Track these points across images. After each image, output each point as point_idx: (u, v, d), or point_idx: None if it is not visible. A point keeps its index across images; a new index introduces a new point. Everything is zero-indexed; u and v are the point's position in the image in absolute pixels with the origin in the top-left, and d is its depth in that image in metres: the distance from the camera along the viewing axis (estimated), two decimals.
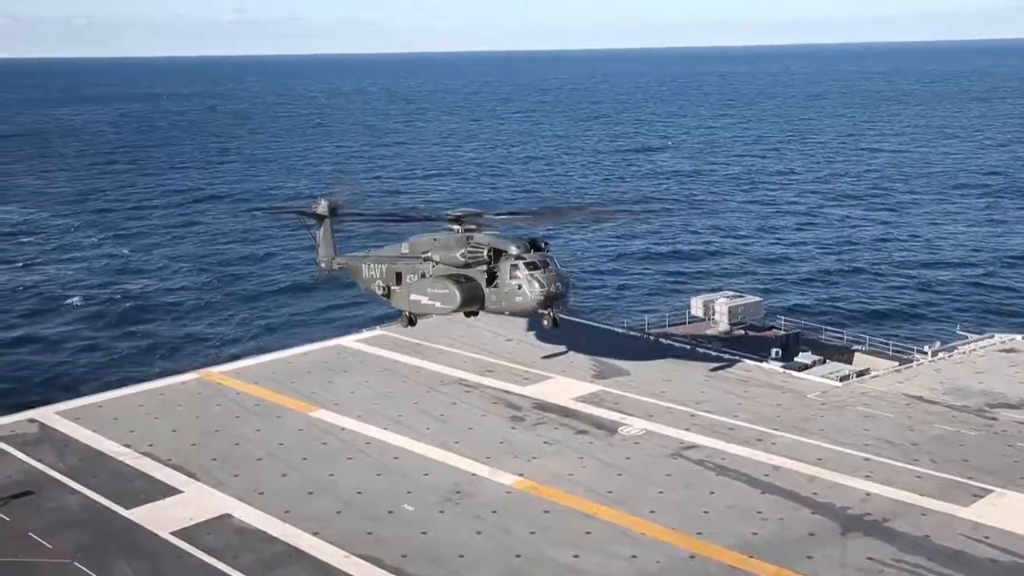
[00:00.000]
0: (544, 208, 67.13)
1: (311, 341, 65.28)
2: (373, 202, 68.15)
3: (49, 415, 49.28)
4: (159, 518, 37.70)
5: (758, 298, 69.62)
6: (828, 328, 64.92)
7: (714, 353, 57.92)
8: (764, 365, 55.80)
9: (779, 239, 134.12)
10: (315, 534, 36.11)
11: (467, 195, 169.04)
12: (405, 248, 53.41)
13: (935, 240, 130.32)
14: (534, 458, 43.02)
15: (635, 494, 39.20)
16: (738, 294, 70.07)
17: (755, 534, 35.67)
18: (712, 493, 39.28)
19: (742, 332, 63.82)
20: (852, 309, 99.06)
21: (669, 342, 60.22)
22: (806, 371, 54.88)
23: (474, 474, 41.45)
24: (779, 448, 43.57)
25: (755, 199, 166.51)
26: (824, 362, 56.95)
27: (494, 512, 37.84)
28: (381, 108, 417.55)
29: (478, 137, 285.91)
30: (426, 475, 41.42)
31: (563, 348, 58.92)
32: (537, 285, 46.88)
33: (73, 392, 62.78)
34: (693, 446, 44.07)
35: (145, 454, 44.04)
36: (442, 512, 38.01)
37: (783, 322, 66.48)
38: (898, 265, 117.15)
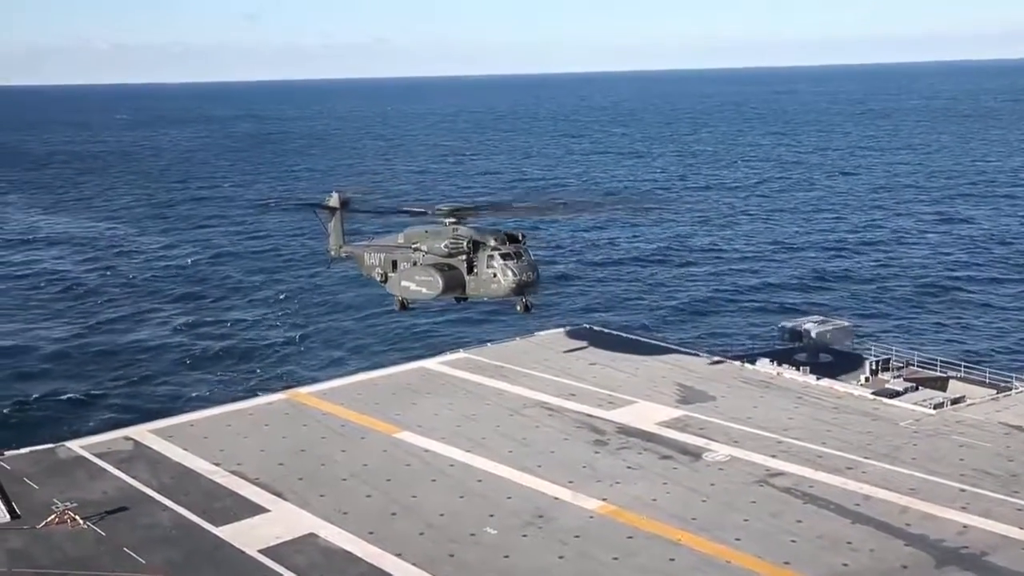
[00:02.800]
0: (531, 202, 71.85)
1: (395, 363, 66.04)
2: (379, 197, 72.02)
3: (143, 433, 50.59)
4: (247, 536, 38.32)
5: (847, 323, 68.07)
6: (921, 354, 63.15)
7: (801, 379, 56.87)
8: (854, 391, 54.58)
9: (869, 262, 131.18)
10: (398, 555, 36.33)
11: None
12: (401, 238, 57.47)
13: None
14: (617, 483, 42.68)
15: (720, 521, 38.59)
16: (826, 318, 68.59)
17: (845, 565, 34.80)
18: (800, 522, 38.45)
19: (831, 357, 62.50)
20: (946, 335, 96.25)
21: (755, 367, 59.35)
22: (897, 398, 53.46)
23: (556, 498, 41.28)
24: (870, 477, 42.46)
25: (841, 220, 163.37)
26: (916, 389, 55.39)
27: (577, 537, 37.61)
28: (460, 129, 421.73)
29: (550, 155, 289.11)
30: (508, 498, 41.38)
31: (647, 372, 58.50)
32: (510, 274, 51.46)
33: (159, 406, 64.31)
34: (780, 473, 43.25)
35: (234, 472, 44.89)
36: (524, 536, 37.90)
37: (873, 348, 64.88)
38: (994, 289, 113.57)
